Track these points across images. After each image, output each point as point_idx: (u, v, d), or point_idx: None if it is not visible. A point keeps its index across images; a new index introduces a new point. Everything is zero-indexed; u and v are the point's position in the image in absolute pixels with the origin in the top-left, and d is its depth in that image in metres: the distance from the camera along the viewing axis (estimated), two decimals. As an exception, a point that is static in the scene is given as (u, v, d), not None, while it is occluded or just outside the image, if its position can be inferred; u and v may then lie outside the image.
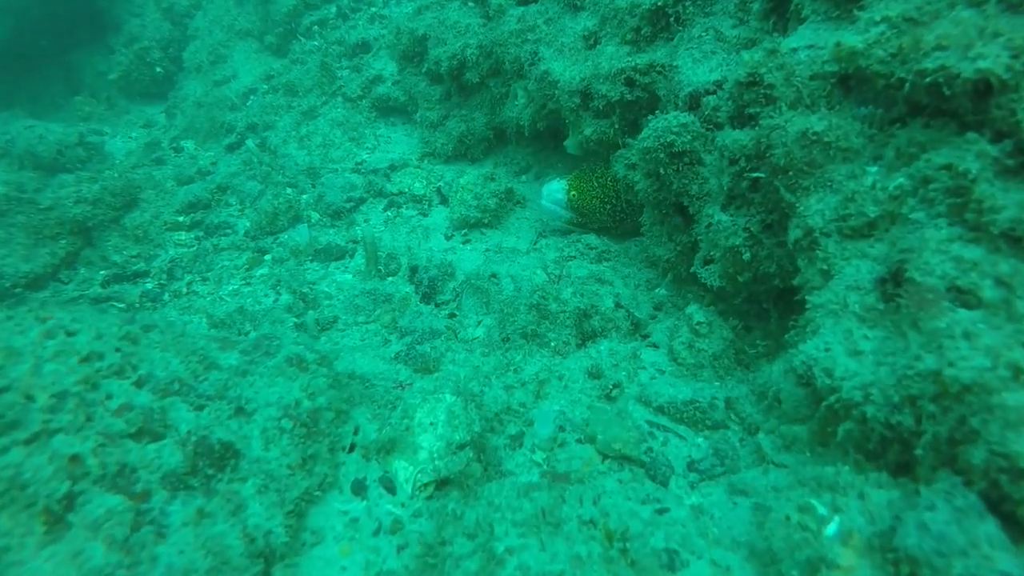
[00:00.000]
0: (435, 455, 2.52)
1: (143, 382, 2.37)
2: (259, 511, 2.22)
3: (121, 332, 2.50)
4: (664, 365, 3.07)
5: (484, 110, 5.34)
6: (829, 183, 2.51)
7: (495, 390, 2.80)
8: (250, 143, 5.97)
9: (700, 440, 2.66)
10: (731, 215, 2.94)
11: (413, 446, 2.58)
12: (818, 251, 2.46)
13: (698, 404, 2.71)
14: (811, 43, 2.69)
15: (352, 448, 2.64)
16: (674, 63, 3.68)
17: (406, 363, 3.59)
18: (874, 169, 2.44)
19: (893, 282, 2.21)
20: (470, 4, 5.30)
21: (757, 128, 2.73)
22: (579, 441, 2.62)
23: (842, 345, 2.17)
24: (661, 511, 2.34)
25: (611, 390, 2.83)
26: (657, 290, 3.72)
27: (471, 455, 2.49)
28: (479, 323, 3.65)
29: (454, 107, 5.51)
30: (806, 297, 2.46)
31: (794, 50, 2.71)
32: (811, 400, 2.43)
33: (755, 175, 2.73)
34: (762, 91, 2.73)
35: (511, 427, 2.69)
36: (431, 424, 2.59)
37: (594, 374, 2.90)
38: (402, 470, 2.56)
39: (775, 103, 2.70)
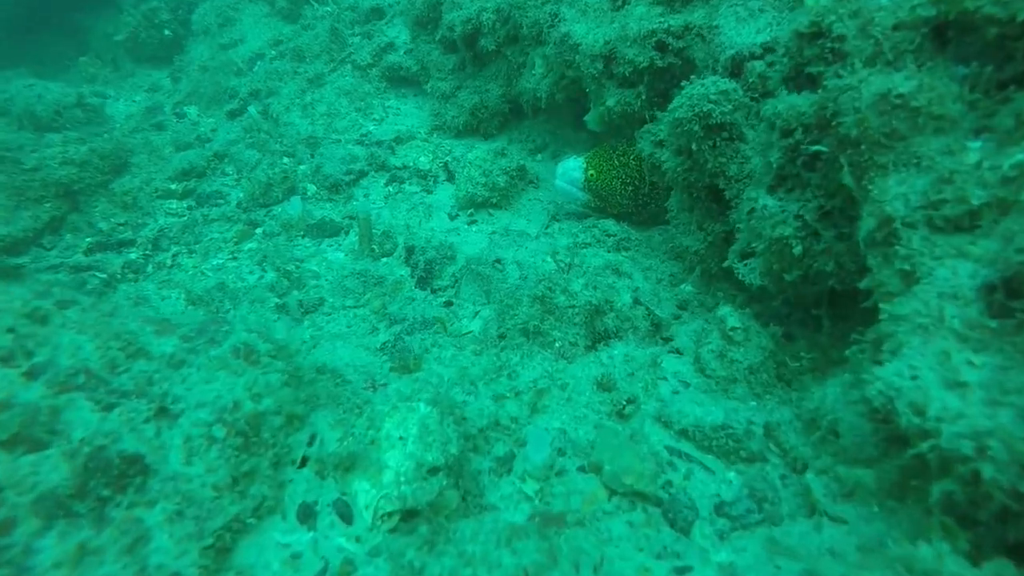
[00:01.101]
0: (403, 478, 1.96)
1: (37, 372, 1.84)
2: (167, 545, 1.68)
3: (26, 308, 1.97)
4: (689, 376, 2.48)
5: (500, 81, 4.74)
6: (916, 160, 1.90)
7: (482, 400, 2.23)
8: (252, 110, 5.42)
9: (732, 475, 2.08)
10: (780, 199, 2.33)
11: (378, 464, 2.02)
12: (898, 247, 1.85)
13: (731, 430, 2.12)
14: (897, -16, 2.06)
15: (304, 462, 2.09)
16: (714, 23, 3.06)
17: (392, 355, 3.04)
18: (978, 144, 1.82)
19: (1006, 291, 1.60)
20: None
21: (821, 91, 2.12)
22: (581, 470, 2.05)
23: (936, 372, 1.57)
24: (682, 570, 1.76)
25: (624, 406, 2.25)
26: (682, 286, 3.12)
27: (445, 481, 1.92)
28: (476, 314, 3.09)
29: (468, 78, 4.92)
30: (880, 305, 1.86)
31: (874, -7, 2.08)
32: (883, 438, 1.83)
33: (815, 149, 2.12)
34: (829, 44, 2.11)
35: (499, 447, 2.13)
36: (400, 439, 2.03)
37: (604, 385, 2.32)
38: (363, 493, 2.00)
39: (845, 59, 2.08)
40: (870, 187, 1.97)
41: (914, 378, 1.58)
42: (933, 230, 1.81)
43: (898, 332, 1.71)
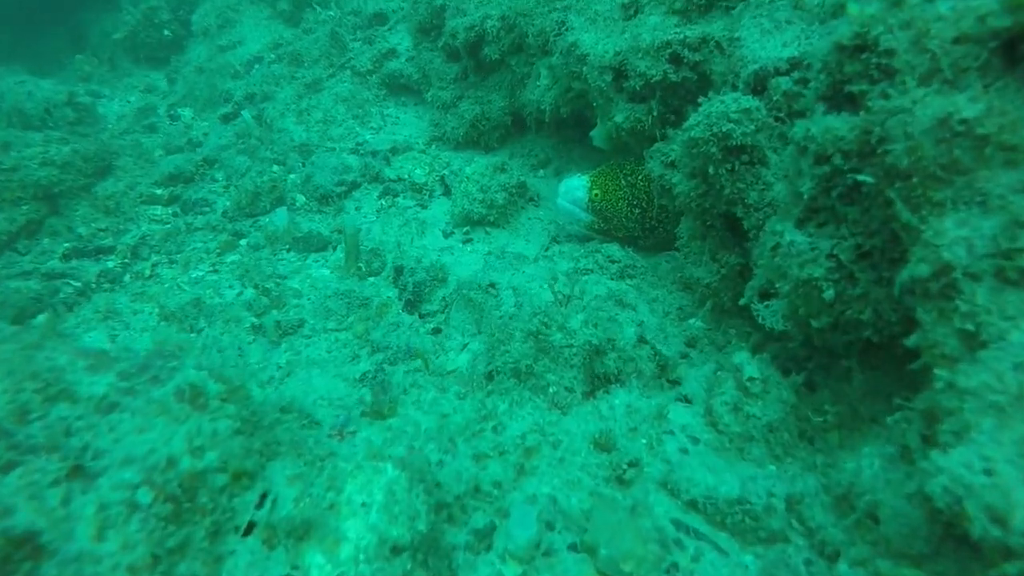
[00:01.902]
0: (362, 555, 1.63)
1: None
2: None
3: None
4: (699, 431, 2.14)
5: (503, 92, 4.42)
6: (981, 198, 1.56)
7: (461, 459, 1.89)
8: (246, 114, 5.12)
9: (748, 559, 1.74)
10: (810, 235, 2.00)
11: (336, 534, 1.69)
12: (959, 300, 1.52)
13: (748, 505, 1.78)
14: (958, -9, 1.73)
15: (250, 529, 1.76)
16: (735, 35, 2.74)
17: (372, 386, 2.71)
18: (1059, 182, 1.49)
19: (1104, 367, 1.27)
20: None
21: (864, 113, 1.79)
22: (572, 548, 1.71)
23: (1019, 468, 1.23)
24: None
25: (625, 470, 1.91)
26: (691, 321, 2.79)
27: (410, 564, 1.59)
28: (464, 347, 2.75)
29: (470, 87, 4.60)
30: (935, 371, 1.52)
31: (929, 0, 1.75)
32: (937, 531, 1.49)
33: (860, 178, 1.79)
34: (875, 59, 1.78)
35: (478, 517, 1.79)
36: (363, 505, 1.71)
37: (603, 443, 1.99)
38: (316, 568, 1.67)
39: (894, 77, 1.75)
40: (922, 227, 1.64)
41: (989, 473, 1.25)
42: (1004, 283, 1.47)
43: (964, 409, 1.37)
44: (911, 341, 1.65)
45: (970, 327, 1.49)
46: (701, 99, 2.51)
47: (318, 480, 1.82)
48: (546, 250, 3.53)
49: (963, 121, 1.57)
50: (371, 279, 3.51)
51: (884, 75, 1.77)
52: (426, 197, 4.19)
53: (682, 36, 2.95)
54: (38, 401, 1.67)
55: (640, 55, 3.04)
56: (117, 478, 1.59)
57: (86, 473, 1.59)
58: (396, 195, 4.21)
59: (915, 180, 1.65)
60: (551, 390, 2.21)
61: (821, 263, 1.95)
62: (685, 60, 2.94)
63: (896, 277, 1.75)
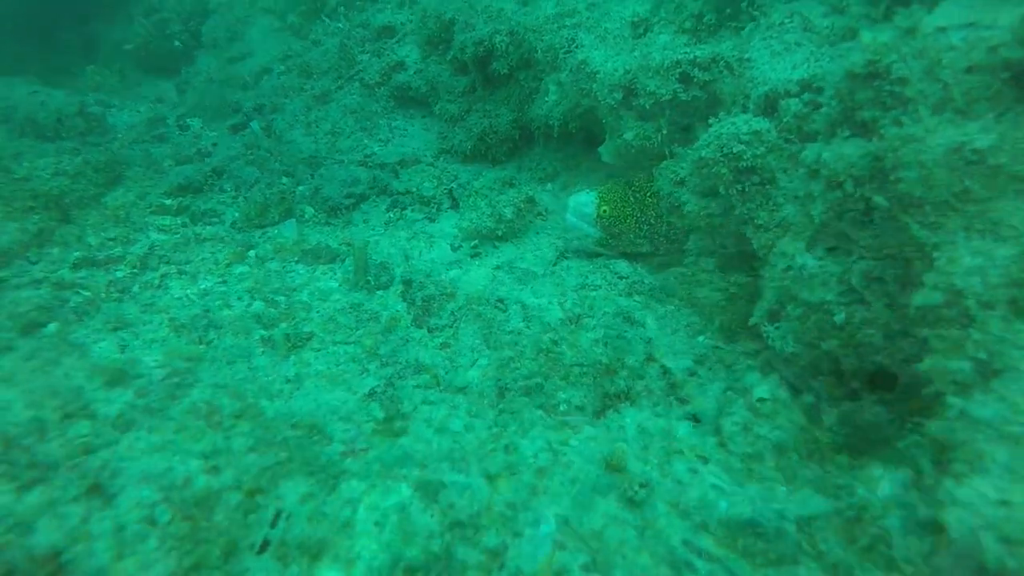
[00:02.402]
0: (376, 575, 1.64)
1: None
2: (82, 665, 1.36)
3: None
4: (708, 451, 2.14)
5: (511, 106, 4.45)
6: (993, 227, 1.57)
7: (474, 478, 1.90)
8: (254, 125, 5.15)
9: (760, 582, 1.74)
10: (820, 259, 2.01)
11: (348, 553, 1.70)
12: (971, 330, 1.53)
13: (759, 528, 1.79)
14: (970, 21, 1.74)
15: (265, 547, 1.76)
16: (746, 55, 2.76)
17: (381, 402, 2.71)
18: (1072, 212, 1.50)
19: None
20: (505, -15, 4.41)
21: (877, 140, 1.80)
22: (585, 569, 1.72)
23: (1034, 501, 1.24)
24: None
25: (637, 490, 1.92)
26: (700, 338, 2.79)
27: (424, 586, 1.60)
28: (474, 363, 2.76)
29: (478, 101, 4.62)
30: (948, 398, 1.53)
31: (941, 30, 1.77)
32: (951, 560, 1.49)
33: (873, 199, 1.80)
34: (888, 87, 1.80)
35: (489, 536, 1.80)
36: (376, 524, 1.71)
37: (614, 464, 1.99)
38: (329, 587, 1.68)
39: (907, 105, 1.76)
40: (935, 255, 1.65)
41: (1005, 504, 1.25)
42: (1018, 313, 1.48)
43: (977, 440, 1.38)
44: (924, 364, 1.66)
45: (983, 356, 1.49)
46: (712, 119, 2.53)
47: (331, 498, 1.83)
48: (554, 265, 3.54)
49: (976, 151, 1.59)
50: (380, 292, 3.52)
51: (897, 103, 1.79)
52: (434, 210, 4.21)
53: (692, 56, 2.96)
54: (57, 418, 1.68)
55: (650, 74, 3.06)
56: (135, 496, 1.60)
57: (104, 492, 1.60)
58: (404, 208, 4.23)
59: (927, 208, 1.66)
60: (562, 408, 2.21)
61: (832, 286, 1.96)
62: (695, 79, 2.96)
63: (908, 302, 1.76)
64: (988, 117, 1.65)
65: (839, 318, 1.94)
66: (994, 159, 1.58)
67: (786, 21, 2.67)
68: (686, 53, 2.98)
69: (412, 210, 4.23)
